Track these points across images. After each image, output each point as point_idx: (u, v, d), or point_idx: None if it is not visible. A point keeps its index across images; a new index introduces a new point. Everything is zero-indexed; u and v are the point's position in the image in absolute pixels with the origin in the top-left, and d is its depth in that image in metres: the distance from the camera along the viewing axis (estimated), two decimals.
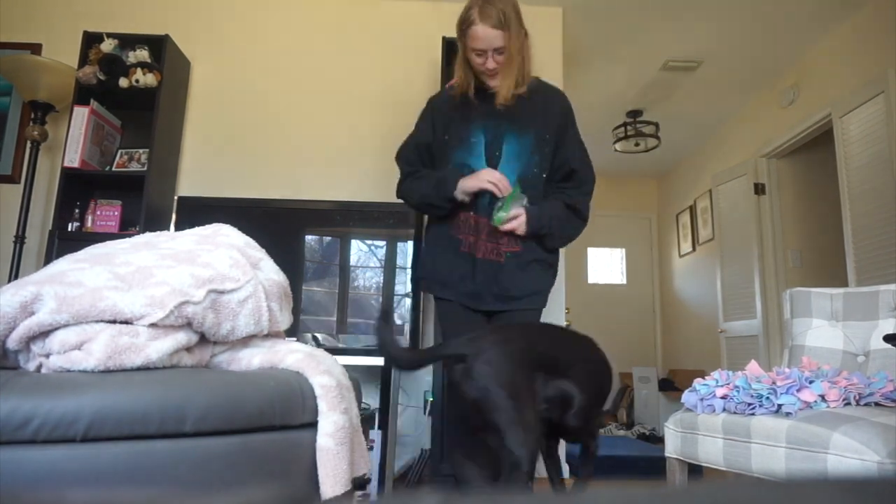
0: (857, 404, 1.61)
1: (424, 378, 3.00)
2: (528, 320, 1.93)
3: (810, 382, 1.61)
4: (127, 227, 3.07)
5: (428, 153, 2.01)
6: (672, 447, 1.85)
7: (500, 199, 1.85)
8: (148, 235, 1.19)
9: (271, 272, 1.19)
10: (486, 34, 1.83)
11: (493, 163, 1.92)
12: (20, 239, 3.00)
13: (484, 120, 1.94)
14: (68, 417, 0.79)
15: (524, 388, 1.42)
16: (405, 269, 3.02)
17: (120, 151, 3.20)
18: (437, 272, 1.96)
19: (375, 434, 2.52)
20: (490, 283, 1.90)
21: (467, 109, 1.96)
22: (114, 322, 0.93)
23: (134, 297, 0.95)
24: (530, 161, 1.93)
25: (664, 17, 3.69)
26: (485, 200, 1.90)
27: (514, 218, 1.85)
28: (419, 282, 2.09)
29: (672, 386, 5.65)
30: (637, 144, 5.07)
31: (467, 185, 1.86)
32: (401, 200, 2.10)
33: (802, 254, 4.45)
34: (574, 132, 2.02)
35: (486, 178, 1.85)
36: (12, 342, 0.92)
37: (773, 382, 1.64)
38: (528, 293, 1.93)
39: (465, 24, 1.88)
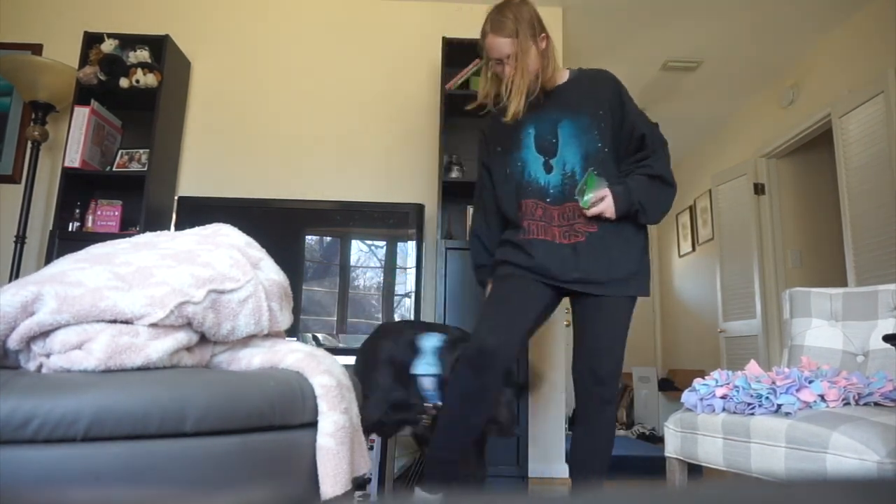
0: (857, 404, 1.61)
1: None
2: (612, 309, 1.87)
3: (810, 382, 1.61)
4: (127, 227, 3.07)
5: (489, 171, 2.05)
6: (672, 447, 1.85)
7: (579, 183, 1.83)
8: (148, 235, 1.19)
9: (271, 272, 1.19)
10: (496, 44, 1.88)
11: (549, 150, 1.91)
12: (21, 239, 3.00)
13: (531, 117, 1.93)
14: (68, 417, 0.79)
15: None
16: (405, 269, 3.02)
17: (120, 151, 3.20)
18: (516, 256, 1.92)
19: (375, 434, 2.52)
20: (568, 261, 1.85)
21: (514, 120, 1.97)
22: (114, 322, 0.94)
23: (134, 297, 0.95)
24: (591, 137, 1.90)
25: (664, 17, 3.69)
26: (555, 180, 1.89)
27: (601, 200, 1.82)
28: (495, 264, 2.01)
29: (672, 386, 5.65)
30: None
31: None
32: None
33: (802, 254, 4.45)
34: (631, 102, 1.98)
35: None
36: (13, 342, 0.92)
37: (773, 382, 1.64)
38: (616, 277, 1.86)
39: (482, 35, 1.93)
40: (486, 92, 1.97)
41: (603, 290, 1.86)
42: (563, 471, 3.14)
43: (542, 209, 1.89)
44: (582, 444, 1.88)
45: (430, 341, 1.99)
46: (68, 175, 2.99)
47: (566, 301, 2.03)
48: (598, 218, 1.84)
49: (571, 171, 1.89)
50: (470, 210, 3.17)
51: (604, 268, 1.85)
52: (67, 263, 1.02)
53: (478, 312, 2.00)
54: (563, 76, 2.01)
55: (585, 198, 1.81)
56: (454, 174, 3.18)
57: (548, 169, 1.91)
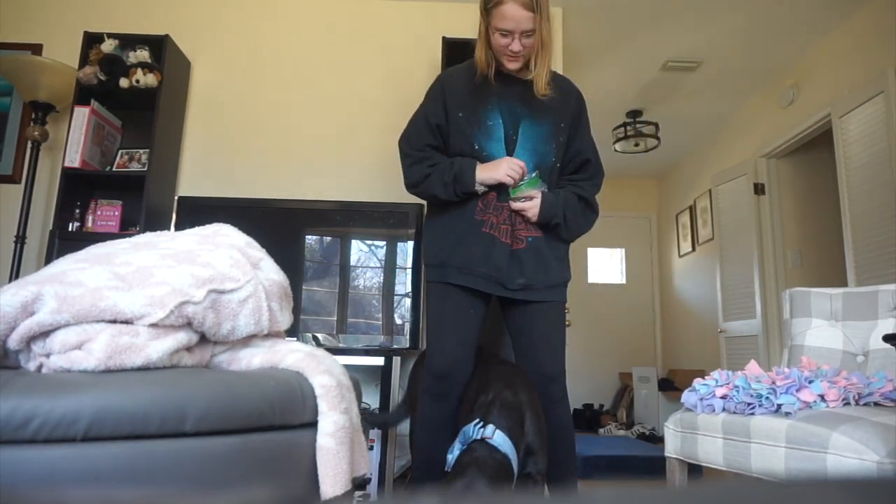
0: (857, 404, 1.61)
1: None
2: (552, 313, 1.91)
3: (810, 382, 1.61)
4: (127, 227, 3.07)
5: (440, 133, 1.93)
6: (672, 447, 1.85)
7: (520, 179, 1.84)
8: (148, 235, 1.19)
9: (271, 272, 1.19)
10: (515, 14, 1.75)
11: (509, 147, 1.88)
12: (21, 239, 3.00)
13: (500, 103, 1.88)
14: (68, 417, 0.79)
15: None
16: (405, 269, 3.02)
17: (120, 151, 3.20)
18: (456, 256, 1.87)
19: (375, 434, 2.52)
20: (513, 267, 1.84)
21: (483, 89, 1.90)
22: (114, 322, 0.94)
23: (134, 297, 0.95)
24: (547, 149, 1.89)
25: (664, 17, 3.69)
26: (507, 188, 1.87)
27: (530, 198, 1.83)
28: (433, 268, 1.93)
29: (672, 386, 5.65)
30: (637, 144, 5.07)
31: (485, 177, 1.83)
32: (408, 189, 2.02)
33: (802, 254, 4.46)
34: (587, 124, 2.00)
35: (505, 172, 1.81)
36: (13, 342, 0.92)
37: (773, 382, 1.64)
38: (552, 284, 1.89)
39: (492, 1, 1.78)
40: (487, 62, 1.87)
41: (544, 296, 1.88)
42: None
43: (494, 203, 1.87)
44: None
45: None
46: (68, 175, 2.99)
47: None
48: (528, 221, 1.86)
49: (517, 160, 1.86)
50: None
51: (545, 274, 1.88)
52: (67, 263, 1.02)
53: (428, 328, 1.96)
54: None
55: (519, 190, 1.82)
56: None
57: None
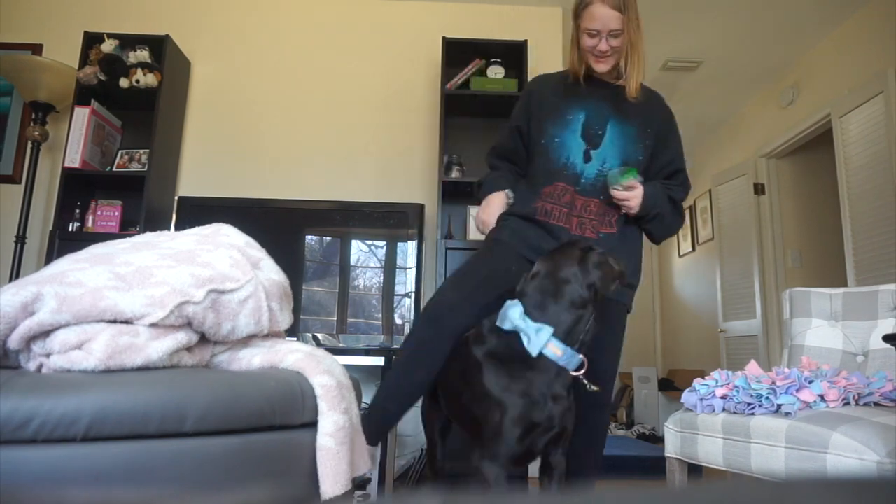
0: (857, 404, 1.61)
1: None
2: (611, 313, 1.83)
3: (810, 382, 1.61)
4: (127, 227, 3.07)
5: (522, 137, 1.96)
6: (672, 447, 1.85)
7: (620, 167, 1.81)
8: (148, 235, 1.19)
9: (271, 272, 1.19)
10: (602, 14, 1.79)
11: (594, 141, 1.86)
12: (21, 239, 3.00)
13: (586, 102, 1.90)
14: (68, 417, 0.79)
15: None
16: (405, 269, 3.02)
17: (120, 151, 3.20)
18: (522, 238, 1.85)
19: None
20: None
21: (571, 91, 1.93)
22: (114, 322, 0.94)
23: (134, 297, 0.95)
24: (636, 147, 1.88)
25: (664, 17, 3.69)
26: (590, 171, 1.84)
27: (632, 188, 1.78)
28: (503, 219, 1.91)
29: (672, 386, 5.65)
30: None
31: (478, 217, 1.97)
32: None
33: (802, 254, 4.45)
34: (678, 137, 1.99)
35: (483, 218, 1.94)
36: (13, 342, 0.92)
37: (773, 382, 1.64)
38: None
39: (581, 3, 1.84)
40: (578, 66, 1.90)
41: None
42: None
43: (570, 195, 1.83)
44: (574, 445, 1.87)
45: None
46: (68, 175, 2.99)
47: None
48: (610, 214, 1.83)
49: (609, 169, 1.84)
50: (471, 210, 3.17)
51: None
52: (67, 263, 1.02)
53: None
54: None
55: (620, 180, 1.77)
56: (454, 174, 3.18)
57: (586, 158, 1.86)
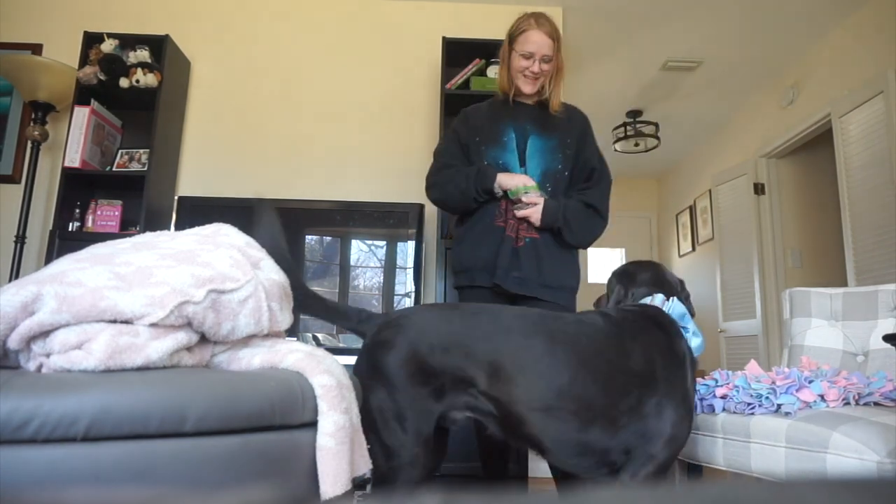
0: (857, 404, 1.61)
1: None
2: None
3: (810, 382, 1.61)
4: (127, 227, 3.07)
5: (467, 152, 2.13)
6: None
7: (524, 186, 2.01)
8: (148, 235, 1.19)
9: (271, 272, 1.19)
10: (540, 39, 2.04)
11: (522, 157, 2.07)
12: (21, 239, 3.00)
13: (513, 121, 2.10)
14: (69, 417, 0.79)
15: None
16: (405, 269, 3.02)
17: (120, 151, 3.20)
18: (477, 258, 2.02)
19: None
20: (512, 263, 1.97)
21: (497, 113, 2.14)
22: (114, 322, 0.93)
23: (134, 297, 0.95)
24: (554, 158, 2.07)
25: (664, 17, 3.69)
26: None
27: (533, 204, 1.96)
28: (462, 274, 2.07)
29: None
30: (637, 144, 5.07)
31: (504, 181, 1.99)
32: (428, 192, 2.15)
33: (802, 254, 4.45)
34: (593, 140, 2.18)
35: (523, 181, 1.98)
36: (13, 342, 0.92)
37: (773, 382, 1.64)
38: (547, 284, 1.98)
39: (518, 29, 2.08)
40: (509, 85, 2.11)
41: (538, 293, 1.96)
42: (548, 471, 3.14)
43: (505, 206, 2.03)
44: None
45: None
46: (68, 175, 2.99)
47: None
48: (529, 224, 2.00)
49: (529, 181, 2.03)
50: None
51: (538, 273, 1.97)
52: (67, 263, 1.02)
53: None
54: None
55: (518, 190, 1.96)
56: None
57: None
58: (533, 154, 2.07)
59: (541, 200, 1.97)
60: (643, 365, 1.40)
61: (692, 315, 1.60)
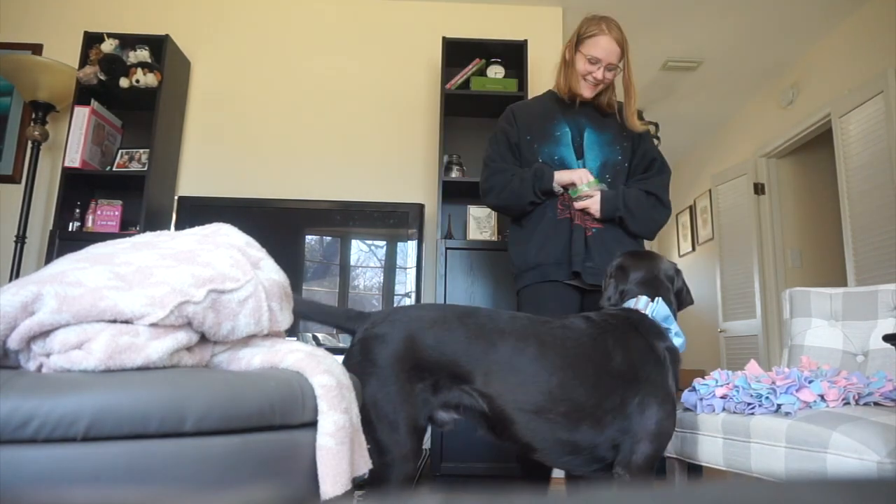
0: (857, 404, 1.61)
1: None
2: None
3: (810, 382, 1.61)
4: (127, 227, 3.08)
5: (518, 151, 2.11)
6: (672, 447, 1.84)
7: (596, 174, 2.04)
8: (148, 235, 1.19)
9: (272, 272, 1.19)
10: (609, 46, 2.04)
11: (579, 151, 2.07)
12: (21, 239, 3.00)
13: (565, 116, 2.10)
14: (68, 417, 0.79)
15: None
16: (405, 269, 3.02)
17: (120, 151, 3.20)
18: (549, 253, 1.98)
19: None
20: (583, 253, 1.96)
21: (548, 109, 2.13)
22: (114, 322, 0.93)
23: (134, 297, 0.95)
24: (613, 150, 2.08)
25: (664, 17, 3.69)
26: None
27: (590, 196, 1.97)
28: (530, 272, 2.02)
29: None
30: None
31: (563, 178, 1.99)
32: (484, 199, 2.14)
33: (802, 253, 4.45)
34: (649, 134, 2.21)
35: (583, 175, 1.98)
36: (13, 342, 0.92)
37: (773, 382, 1.64)
38: None
39: (588, 32, 2.08)
40: (567, 86, 2.09)
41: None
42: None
43: (568, 199, 2.02)
44: None
45: None
46: (68, 175, 2.99)
47: None
48: (591, 216, 2.00)
49: (588, 171, 2.02)
50: (471, 210, 3.17)
51: (610, 260, 1.91)
52: (67, 263, 1.02)
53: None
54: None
55: (580, 189, 1.97)
56: (454, 174, 3.18)
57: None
58: (591, 146, 2.07)
59: (598, 191, 1.98)
60: (625, 367, 1.46)
61: (689, 303, 1.71)
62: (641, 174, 2.10)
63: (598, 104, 2.11)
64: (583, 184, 1.97)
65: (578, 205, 1.97)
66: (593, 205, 1.96)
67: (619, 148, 2.08)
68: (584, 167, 2.03)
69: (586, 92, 2.07)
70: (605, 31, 2.04)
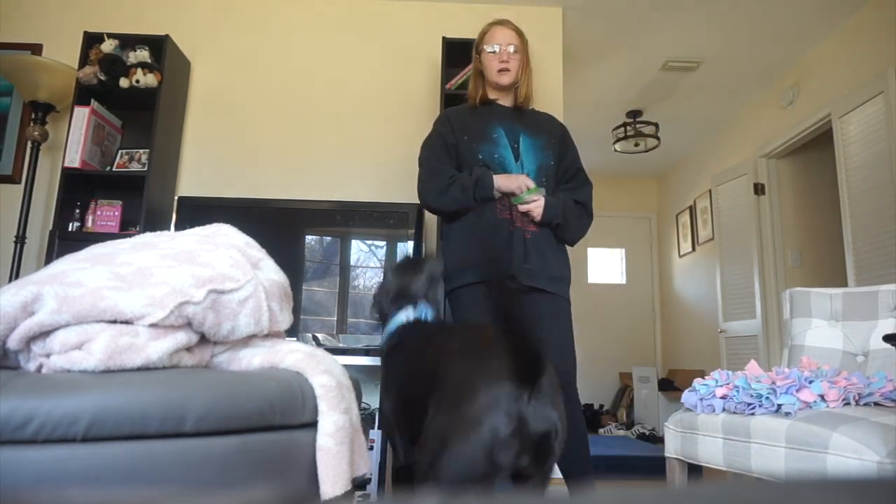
0: (857, 404, 1.61)
1: None
2: (557, 310, 2.04)
3: (810, 382, 1.61)
4: (127, 228, 3.07)
5: (455, 152, 2.16)
6: (672, 447, 1.85)
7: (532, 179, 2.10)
8: (148, 235, 1.19)
9: (271, 272, 1.19)
10: (503, 32, 2.20)
11: (516, 153, 2.14)
12: (21, 239, 3.00)
13: (499, 120, 2.18)
14: (68, 417, 0.79)
15: None
16: None
17: (120, 151, 3.20)
18: (486, 251, 2.04)
19: (375, 434, 2.52)
20: (522, 255, 2.00)
21: (481, 113, 2.21)
22: (114, 322, 0.93)
23: (134, 297, 0.95)
24: (546, 154, 2.17)
25: (664, 17, 3.69)
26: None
27: (534, 201, 2.03)
28: (462, 273, 2.04)
29: (672, 386, 5.65)
30: (637, 144, 5.07)
31: (504, 184, 2.04)
32: (423, 202, 2.17)
33: (802, 254, 4.45)
34: (573, 144, 2.29)
35: (524, 182, 2.03)
36: (13, 342, 0.92)
37: (773, 382, 1.64)
38: (553, 275, 2.05)
39: (483, 33, 2.24)
40: (477, 92, 2.22)
41: (546, 286, 2.01)
42: (558, 471, 3.14)
43: (508, 203, 2.06)
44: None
45: None
46: (68, 175, 2.99)
47: None
48: (531, 220, 2.06)
49: (527, 175, 2.10)
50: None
51: (544, 264, 2.04)
52: (68, 263, 1.02)
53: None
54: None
55: (522, 196, 2.03)
56: None
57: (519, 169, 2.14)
58: (527, 150, 2.15)
59: (541, 198, 2.05)
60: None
61: (435, 300, 1.69)
62: (567, 184, 2.20)
63: (519, 100, 2.21)
64: (523, 192, 2.03)
65: (522, 208, 2.04)
66: (537, 209, 2.03)
67: (550, 152, 2.18)
68: (523, 170, 2.11)
69: (503, 79, 2.16)
70: (496, 23, 2.23)
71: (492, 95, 2.23)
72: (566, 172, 2.22)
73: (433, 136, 2.22)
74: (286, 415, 0.98)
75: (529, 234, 2.04)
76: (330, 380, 1.05)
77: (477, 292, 1.99)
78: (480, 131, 2.15)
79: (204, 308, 1.00)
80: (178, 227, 2.97)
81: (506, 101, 2.24)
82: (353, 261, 3.07)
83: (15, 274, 2.95)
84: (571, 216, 2.11)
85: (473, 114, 2.22)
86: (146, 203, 3.01)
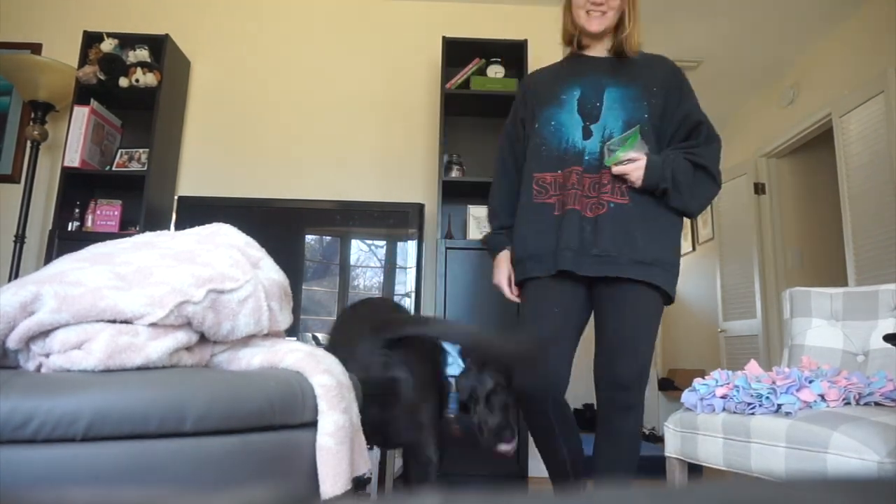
0: (857, 404, 1.61)
1: None
2: (638, 301, 1.70)
3: (810, 382, 1.61)
4: (127, 227, 3.07)
5: (522, 127, 1.93)
6: (672, 447, 1.84)
7: (618, 136, 1.70)
8: (148, 235, 1.19)
9: (271, 271, 1.19)
10: None
11: (592, 114, 1.77)
12: (20, 239, 3.00)
13: (581, 78, 1.83)
14: (68, 417, 0.79)
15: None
16: (405, 268, 3.02)
17: (120, 151, 3.20)
18: (527, 247, 1.80)
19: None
20: (585, 241, 1.68)
21: (564, 70, 1.90)
22: (114, 322, 0.93)
23: (134, 297, 0.95)
24: (638, 105, 1.77)
25: (664, 17, 3.69)
26: (592, 146, 1.74)
27: (633, 161, 1.67)
28: (517, 265, 1.85)
29: (672, 386, 5.65)
30: None
31: (494, 275, 1.95)
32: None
33: (802, 253, 4.45)
34: (691, 91, 1.87)
35: (498, 280, 1.93)
36: (12, 342, 0.92)
37: (773, 382, 1.64)
38: (640, 260, 1.67)
39: None
40: (570, 32, 1.88)
41: (620, 271, 1.66)
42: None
43: (576, 176, 1.72)
44: (603, 453, 1.77)
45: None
46: (68, 175, 2.99)
47: None
48: (624, 185, 1.70)
49: (610, 135, 1.73)
50: (471, 210, 3.17)
51: (623, 245, 1.67)
52: (67, 263, 1.02)
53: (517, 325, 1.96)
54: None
55: (617, 153, 1.65)
56: (454, 174, 3.18)
57: (586, 134, 1.75)
58: (612, 105, 1.76)
59: (641, 156, 1.67)
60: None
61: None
62: (683, 141, 1.78)
63: (620, 53, 1.82)
64: (616, 146, 1.67)
65: (617, 170, 1.66)
66: (635, 171, 1.66)
67: (645, 104, 1.76)
68: (593, 134, 1.75)
69: (593, 25, 1.79)
70: None
71: (584, 41, 1.85)
72: (680, 126, 1.80)
73: (509, 118, 1.99)
74: (286, 414, 0.98)
75: (608, 206, 1.68)
76: (330, 379, 1.05)
77: (535, 290, 1.80)
78: (550, 93, 1.84)
79: (204, 307, 1.00)
80: (178, 227, 2.97)
81: (599, 49, 1.86)
82: (353, 261, 3.07)
83: (14, 273, 2.95)
84: (685, 179, 1.69)
85: (555, 71, 1.92)
86: (146, 203, 3.01)
